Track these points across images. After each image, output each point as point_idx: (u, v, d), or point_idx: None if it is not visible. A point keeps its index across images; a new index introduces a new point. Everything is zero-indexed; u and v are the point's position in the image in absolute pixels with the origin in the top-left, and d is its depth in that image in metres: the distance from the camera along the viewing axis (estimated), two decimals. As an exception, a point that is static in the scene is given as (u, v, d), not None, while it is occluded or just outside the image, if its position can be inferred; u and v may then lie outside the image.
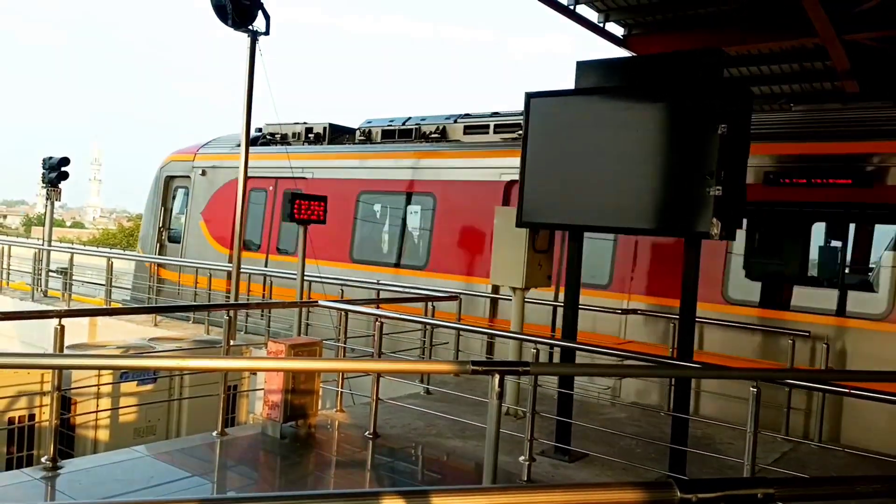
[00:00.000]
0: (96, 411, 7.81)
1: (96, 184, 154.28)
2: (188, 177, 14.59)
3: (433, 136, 11.97)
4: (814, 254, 8.81)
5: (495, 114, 11.65)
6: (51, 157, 16.09)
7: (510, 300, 8.04)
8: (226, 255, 13.32)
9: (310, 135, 13.63)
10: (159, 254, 14.84)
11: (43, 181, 15.98)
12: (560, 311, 8.90)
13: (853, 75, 10.96)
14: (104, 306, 12.93)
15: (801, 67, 11.87)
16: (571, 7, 10.71)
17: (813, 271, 8.86)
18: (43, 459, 5.51)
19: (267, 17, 11.08)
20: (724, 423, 6.70)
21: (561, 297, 7.56)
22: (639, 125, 5.97)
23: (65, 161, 15.95)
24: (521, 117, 10.96)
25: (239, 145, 11.69)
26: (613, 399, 8.86)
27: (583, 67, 6.54)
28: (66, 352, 6.03)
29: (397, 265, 11.48)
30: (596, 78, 6.44)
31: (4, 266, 16.22)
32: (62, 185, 16.07)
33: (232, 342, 7.70)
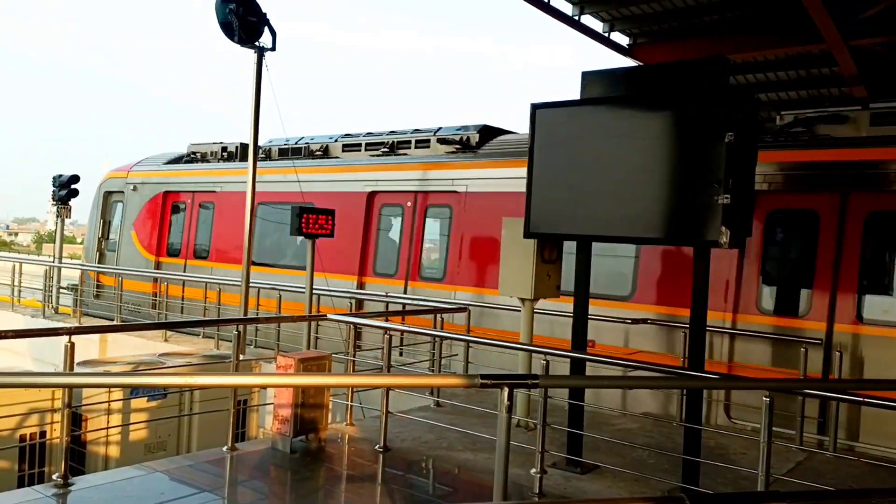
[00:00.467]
0: (107, 428, 7.82)
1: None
2: (122, 192, 16.20)
3: (318, 153, 13.64)
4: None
5: (369, 133, 13.29)
6: (61, 175, 16.23)
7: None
8: (153, 261, 15.25)
9: (224, 153, 15.31)
10: (99, 262, 16.42)
11: (53, 199, 16.11)
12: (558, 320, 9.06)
13: (861, 80, 10.92)
14: (114, 323, 12.98)
15: (807, 73, 11.85)
16: (576, 17, 10.74)
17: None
18: (54, 476, 5.51)
19: (273, 33, 11.17)
20: (736, 434, 6.64)
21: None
22: (645, 134, 5.96)
23: (75, 178, 16.08)
24: (389, 136, 12.68)
25: (166, 163, 14.93)
26: (624, 410, 8.80)
27: (588, 77, 6.54)
28: (76, 368, 6.04)
29: (290, 267, 13.03)
30: (601, 88, 6.44)
31: (16, 283, 16.33)
32: (72, 202, 16.29)
33: (241, 357, 7.70)
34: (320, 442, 6.78)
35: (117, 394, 7.84)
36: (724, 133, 5.40)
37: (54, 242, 16.64)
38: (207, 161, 15.45)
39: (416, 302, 10.58)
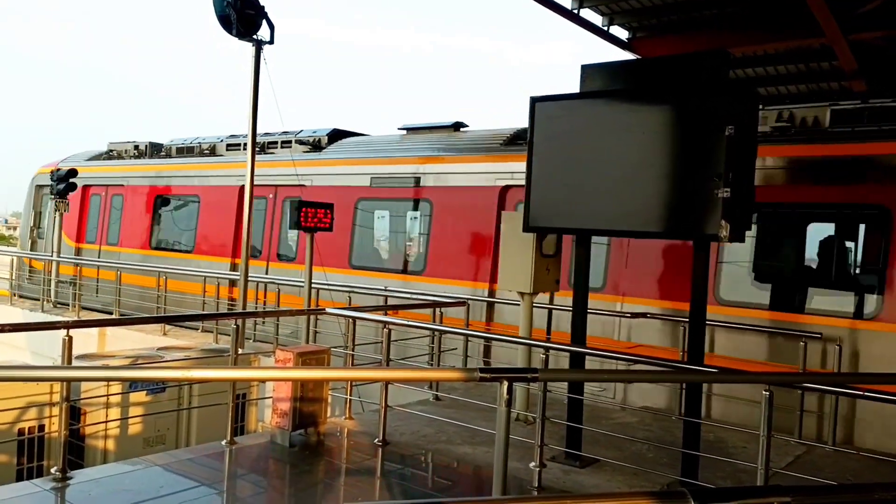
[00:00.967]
0: (105, 421, 7.82)
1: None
2: (51, 185, 17.56)
3: (206, 151, 15.67)
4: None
5: (245, 135, 14.48)
6: (58, 169, 16.17)
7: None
8: (74, 247, 17.06)
9: (136, 151, 17.25)
10: (32, 249, 18.18)
11: (51, 193, 16.05)
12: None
13: (861, 75, 10.89)
14: (112, 317, 12.97)
15: (807, 68, 11.81)
16: (575, 11, 10.69)
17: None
18: (52, 470, 5.51)
19: (271, 26, 11.13)
20: (736, 427, 6.64)
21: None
22: (645, 128, 5.94)
23: (72, 173, 16.01)
24: (263, 137, 14.20)
25: (88, 160, 17.35)
26: (624, 404, 8.81)
27: (588, 70, 6.52)
28: (74, 362, 6.03)
29: (188, 252, 14.84)
30: (601, 81, 6.42)
31: (14, 277, 16.31)
32: (70, 195, 16.22)
33: (240, 350, 7.70)
34: (319, 436, 6.78)
35: (116, 387, 7.83)
36: (725, 126, 5.38)
37: (53, 237, 16.61)
38: (122, 158, 17.36)
39: (414, 297, 10.57)
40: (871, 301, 7.96)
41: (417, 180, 11.43)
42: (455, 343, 9.64)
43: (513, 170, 10.39)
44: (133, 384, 7.96)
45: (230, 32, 10.73)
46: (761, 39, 10.50)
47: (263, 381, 7.96)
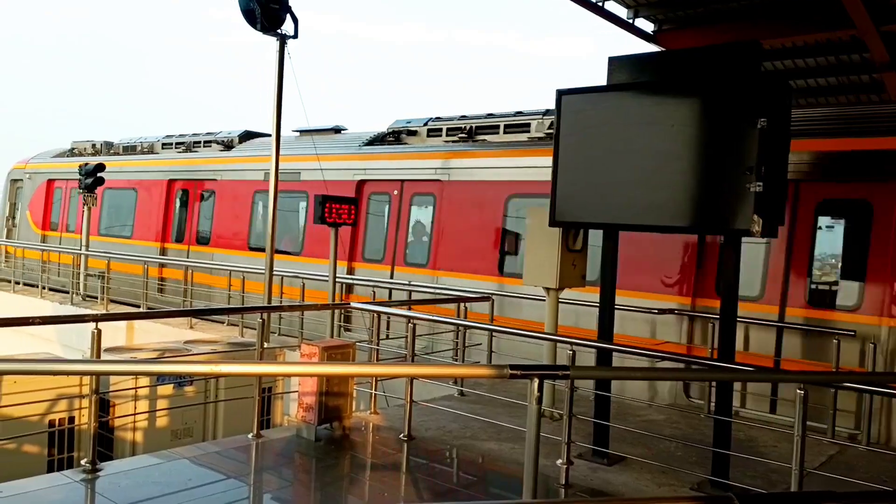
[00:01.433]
0: (134, 414, 7.90)
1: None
2: (22, 179, 20.29)
3: (143, 150, 18.12)
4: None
5: (182, 135, 17.56)
6: (86, 164, 16.37)
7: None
8: (39, 234, 19.21)
9: (93, 148, 19.47)
10: (8, 237, 20.13)
11: (80, 187, 16.25)
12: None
13: (892, 67, 10.64)
14: (140, 310, 13.12)
15: (837, 60, 11.57)
16: (600, 4, 10.57)
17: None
18: (83, 462, 5.57)
19: (295, 20, 11.14)
20: (767, 427, 6.53)
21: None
22: (674, 121, 5.84)
23: (100, 167, 16.20)
24: (191, 137, 17.24)
25: (53, 157, 19.83)
26: (651, 401, 8.72)
27: (615, 63, 6.43)
28: (103, 355, 6.09)
29: (128, 237, 16.88)
30: (628, 73, 6.33)
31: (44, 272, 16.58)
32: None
33: (266, 344, 7.73)
34: (344, 430, 6.79)
35: (144, 380, 7.91)
36: (757, 119, 5.27)
37: (81, 230, 16.85)
38: (82, 155, 19.27)
39: (440, 291, 10.56)
40: None
41: (298, 174, 13.29)
42: (479, 338, 9.60)
43: (366, 167, 12.62)
44: (161, 377, 8.04)
45: (255, 27, 10.77)
46: (789, 31, 10.28)
47: (291, 375, 7.98)
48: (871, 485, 5.61)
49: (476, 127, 12.00)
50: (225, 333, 11.97)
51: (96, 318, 5.75)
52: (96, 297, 15.27)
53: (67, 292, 15.90)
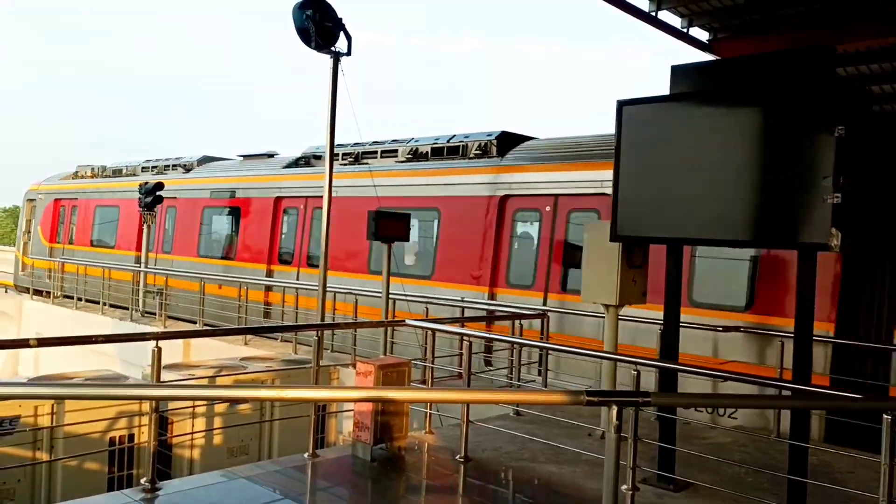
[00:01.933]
0: (192, 432, 7.95)
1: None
2: (35, 199, 23.39)
3: (128, 173, 20.68)
4: None
5: (149, 160, 20.43)
6: (146, 182, 16.81)
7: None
8: (48, 247, 22.04)
9: (91, 172, 22.09)
10: (24, 249, 23.15)
11: (140, 206, 16.69)
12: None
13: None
14: (198, 328, 13.32)
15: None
16: (654, 14, 10.34)
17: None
18: (142, 481, 5.58)
19: (349, 37, 11.20)
20: (843, 452, 6.16)
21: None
22: (740, 130, 5.59)
23: (159, 186, 16.61)
24: (165, 161, 20.20)
25: (60, 179, 23.09)
26: (714, 424, 8.36)
27: (677, 72, 6.20)
28: (163, 372, 6.12)
29: (112, 248, 19.74)
30: (692, 82, 6.09)
31: (105, 289, 17.03)
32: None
33: (321, 362, 7.69)
34: (400, 450, 6.67)
35: (201, 398, 7.95)
36: (834, 127, 4.99)
37: (140, 248, 17.29)
38: (83, 178, 22.09)
39: (498, 308, 10.41)
40: None
41: (233, 193, 16.11)
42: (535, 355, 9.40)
43: (282, 185, 15.12)
44: (217, 394, 8.06)
45: (309, 45, 10.85)
46: (852, 38, 9.87)
47: (349, 401, 7.93)
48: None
49: (361, 152, 14.28)
50: (279, 350, 12.04)
51: (157, 337, 5.79)
52: (154, 314, 15.59)
53: (126, 308, 16.65)
